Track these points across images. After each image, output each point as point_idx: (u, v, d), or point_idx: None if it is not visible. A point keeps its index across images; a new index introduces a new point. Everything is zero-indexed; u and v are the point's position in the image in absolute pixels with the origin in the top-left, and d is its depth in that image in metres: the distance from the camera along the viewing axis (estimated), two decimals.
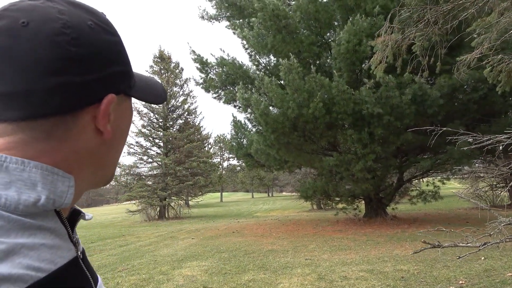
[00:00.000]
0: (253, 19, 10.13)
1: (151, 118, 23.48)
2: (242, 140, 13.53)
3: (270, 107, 10.49)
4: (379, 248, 7.52)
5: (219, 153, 52.10)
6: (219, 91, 13.49)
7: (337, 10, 10.49)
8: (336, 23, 11.10)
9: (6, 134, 0.43)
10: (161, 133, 22.98)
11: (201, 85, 13.57)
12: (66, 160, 0.46)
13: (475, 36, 4.10)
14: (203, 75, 13.41)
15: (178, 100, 24.43)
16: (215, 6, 13.55)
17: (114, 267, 7.05)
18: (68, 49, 0.42)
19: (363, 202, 13.18)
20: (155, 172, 23.17)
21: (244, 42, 11.69)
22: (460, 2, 2.95)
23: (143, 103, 22.16)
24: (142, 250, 9.17)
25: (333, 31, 11.34)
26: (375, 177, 10.56)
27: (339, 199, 12.83)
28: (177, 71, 24.33)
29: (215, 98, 13.82)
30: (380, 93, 8.48)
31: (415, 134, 9.52)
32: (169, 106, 23.90)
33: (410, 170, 13.08)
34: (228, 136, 15.16)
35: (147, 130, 23.09)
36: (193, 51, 13.22)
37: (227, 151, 45.80)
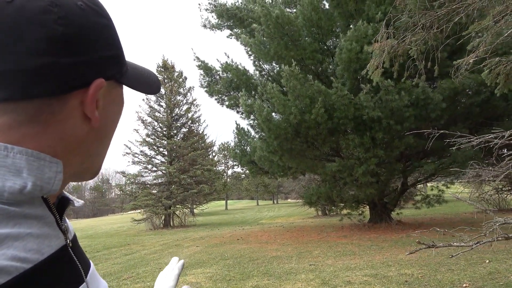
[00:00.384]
0: (255, 25, 10.23)
1: (155, 127, 23.63)
2: (245, 147, 13.59)
3: (273, 114, 10.56)
4: (383, 253, 7.50)
5: (223, 161, 52.13)
6: (223, 96, 13.61)
7: (338, 17, 10.59)
8: (337, 30, 11.19)
9: None
10: (165, 142, 23.08)
11: (205, 89, 13.69)
12: (52, 146, 0.44)
13: (475, 39, 4.14)
14: (207, 80, 13.54)
15: (181, 109, 24.57)
16: (216, 18, 13.76)
17: (119, 275, 7.08)
18: (55, 28, 0.40)
19: (367, 207, 13.14)
20: (159, 181, 23.23)
21: (248, 48, 11.80)
22: (454, 6, 3.00)
23: (147, 112, 22.12)
24: (147, 258, 9.19)
25: (335, 38, 11.44)
26: (379, 181, 10.54)
27: (343, 204, 12.80)
28: (181, 80, 24.53)
29: (218, 102, 13.94)
30: (379, 97, 8.52)
31: (417, 139, 9.53)
32: (173, 115, 24.04)
33: (414, 175, 13.03)
34: (232, 144, 15.22)
35: (151, 139, 23.22)
36: (197, 57, 13.36)
37: (231, 159, 45.87)
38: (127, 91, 0.56)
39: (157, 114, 23.65)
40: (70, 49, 0.41)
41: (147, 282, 6.30)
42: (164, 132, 23.77)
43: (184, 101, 24.76)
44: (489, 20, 3.55)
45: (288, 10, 12.20)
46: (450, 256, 2.35)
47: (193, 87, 27.87)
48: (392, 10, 3.78)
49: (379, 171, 10.00)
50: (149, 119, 23.37)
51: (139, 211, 22.12)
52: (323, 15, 10.38)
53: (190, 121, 25.17)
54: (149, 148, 23.22)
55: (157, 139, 23.44)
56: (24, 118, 0.41)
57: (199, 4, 13.62)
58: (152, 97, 23.04)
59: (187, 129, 25.20)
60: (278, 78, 11.67)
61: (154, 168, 23.33)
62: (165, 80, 24.03)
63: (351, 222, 13.35)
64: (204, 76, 13.42)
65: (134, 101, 28.87)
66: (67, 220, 0.54)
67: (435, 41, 3.45)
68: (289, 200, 55.37)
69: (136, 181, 22.96)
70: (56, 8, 0.41)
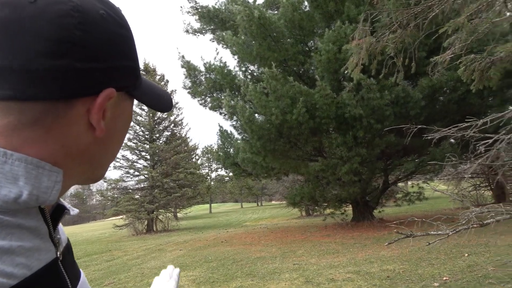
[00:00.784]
0: (238, 21, 10.22)
1: (137, 131, 23.30)
2: (229, 149, 13.55)
3: (256, 114, 10.56)
4: (366, 250, 7.58)
5: (206, 164, 51.82)
6: (206, 98, 13.53)
7: (318, 18, 10.68)
8: (319, 31, 11.30)
9: None
10: (148, 146, 22.79)
11: (188, 90, 13.58)
12: (52, 152, 0.42)
13: (451, 37, 4.24)
14: (190, 81, 13.43)
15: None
16: (199, 20, 13.70)
17: (100, 282, 6.93)
18: (73, 32, 0.40)
19: (350, 206, 13.27)
20: (142, 185, 22.89)
21: (232, 47, 11.77)
22: (429, 4, 3.07)
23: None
24: (129, 264, 9.03)
25: (317, 38, 11.55)
26: (361, 180, 10.67)
27: (326, 204, 12.89)
28: (163, 83, 24.30)
29: (201, 104, 13.87)
30: (360, 95, 8.64)
31: (398, 137, 9.70)
32: (155, 118, 23.77)
33: (395, 173, 13.25)
34: (215, 146, 15.16)
35: (133, 143, 22.87)
36: (182, 56, 13.25)
37: (215, 162, 45.67)
38: None
39: (138, 118, 23.31)
40: (86, 55, 0.41)
41: (128, 287, 6.19)
42: (146, 136, 23.47)
43: None
44: (464, 19, 3.64)
45: (270, 12, 12.24)
46: (427, 243, 2.39)
47: (175, 90, 27.65)
48: (370, 8, 3.84)
49: (361, 170, 10.12)
50: (131, 123, 23.01)
51: (121, 216, 21.72)
52: (304, 16, 10.47)
53: (172, 124, 24.92)
54: (131, 153, 22.86)
55: (139, 143, 23.10)
56: (29, 120, 0.40)
57: (181, 7, 13.59)
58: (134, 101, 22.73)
59: (169, 133, 24.95)
60: (261, 79, 11.71)
61: (136, 173, 22.97)
62: None
63: (334, 222, 13.46)
64: (187, 76, 13.31)
65: None
66: (61, 228, 0.53)
67: (412, 39, 3.52)
68: (273, 202, 55.46)
69: (118, 186, 22.57)
70: (78, 14, 0.40)
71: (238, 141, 12.68)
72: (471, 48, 4.30)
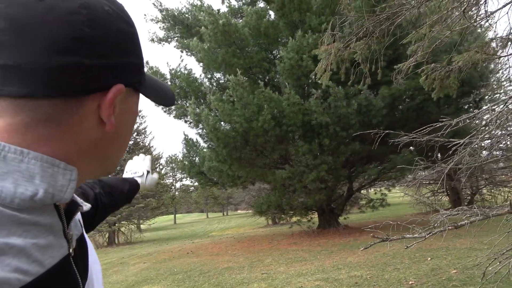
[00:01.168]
0: (203, 29, 10.12)
1: None
2: (194, 158, 13.30)
3: (222, 122, 10.46)
4: (333, 257, 7.61)
5: (171, 173, 50.80)
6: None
7: (283, 27, 10.80)
8: (283, 40, 11.43)
9: (7, 113, 0.40)
10: None
11: None
12: (65, 149, 0.43)
13: (411, 46, 4.36)
14: None
15: None
16: (163, 28, 13.49)
17: None
18: (82, 29, 0.40)
19: (316, 214, 13.39)
20: None
21: (198, 54, 11.63)
22: (395, 11, 3.14)
23: None
24: None
25: (281, 46, 11.67)
26: (326, 187, 10.79)
27: (293, 212, 12.93)
28: None
29: (165, 112, 13.58)
30: (328, 103, 8.77)
31: (361, 144, 9.93)
32: None
33: (359, 180, 13.55)
34: (180, 156, 14.86)
35: None
36: (147, 63, 12.92)
37: (180, 171, 44.84)
38: None
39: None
40: (95, 51, 0.41)
41: None
42: None
43: None
44: (426, 29, 3.75)
45: (234, 20, 12.26)
46: (405, 247, 2.39)
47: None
48: (333, 16, 3.88)
49: (327, 178, 10.24)
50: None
51: None
52: (269, 24, 10.55)
53: (135, 133, 24.30)
54: None
55: None
56: (41, 117, 0.41)
57: (145, 15, 13.31)
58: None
59: (132, 142, 24.29)
60: (227, 86, 11.64)
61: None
62: None
63: (301, 229, 13.51)
64: None
65: None
66: (76, 221, 0.54)
67: (377, 46, 3.58)
68: (239, 211, 55.12)
69: None
70: (85, 11, 0.41)
71: (204, 150, 12.49)
72: (432, 57, 4.45)
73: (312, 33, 9.23)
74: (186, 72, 12.33)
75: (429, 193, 16.53)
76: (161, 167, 35.59)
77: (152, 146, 27.23)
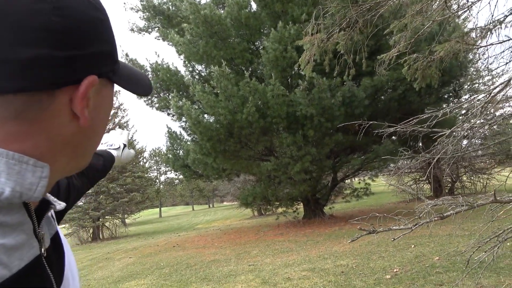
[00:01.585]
0: (185, 24, 9.96)
1: None
2: (178, 151, 13.19)
3: (205, 115, 10.35)
4: (319, 247, 7.70)
5: (155, 167, 50.35)
6: (152, 98, 13.05)
7: (265, 18, 10.71)
8: (265, 31, 11.34)
9: None
10: None
11: None
12: (37, 146, 0.40)
13: (394, 36, 4.37)
14: None
15: None
16: (143, 17, 13.19)
17: None
18: (51, 18, 0.37)
19: (301, 204, 13.50)
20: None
21: (177, 48, 11.43)
22: (378, 1, 3.13)
23: None
24: None
25: (264, 37, 11.58)
26: (311, 178, 10.86)
27: (278, 203, 13.00)
28: None
29: (147, 104, 13.38)
30: (313, 94, 8.77)
31: (345, 135, 10.00)
32: None
33: (343, 170, 13.70)
34: (164, 149, 14.69)
35: None
36: (126, 54, 12.62)
37: (164, 164, 44.47)
38: None
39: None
40: (66, 42, 0.39)
41: None
42: None
43: None
44: (408, 19, 3.76)
45: (216, 10, 12.09)
46: (392, 239, 2.42)
47: (119, 90, 26.49)
48: (314, 7, 3.85)
49: (311, 168, 10.30)
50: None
51: (64, 225, 20.46)
52: (251, 15, 10.44)
53: (117, 127, 23.92)
54: None
55: None
56: (10, 113, 0.38)
57: (124, 3, 12.97)
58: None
59: None
60: (209, 78, 11.50)
61: None
62: None
63: (287, 220, 13.61)
64: None
65: None
66: (50, 221, 0.51)
67: (360, 36, 3.58)
68: (224, 203, 55.21)
69: None
70: None
71: (188, 143, 12.38)
72: (414, 47, 4.48)
73: (293, 24, 9.18)
74: (165, 64, 12.13)
75: (411, 181, 16.87)
76: (144, 160, 35.20)
77: (135, 140, 26.88)
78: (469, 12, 3.55)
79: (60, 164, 0.45)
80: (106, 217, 20.52)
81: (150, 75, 12.56)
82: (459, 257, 4.71)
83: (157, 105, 13.14)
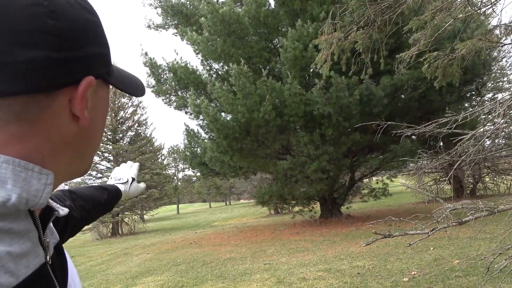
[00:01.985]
0: (202, 19, 9.98)
1: None
2: (195, 149, 13.29)
3: (223, 113, 10.39)
4: (335, 247, 7.63)
5: (173, 164, 50.98)
6: (170, 96, 13.16)
7: (284, 16, 10.65)
8: (283, 29, 11.28)
9: None
10: (110, 147, 22.04)
11: (152, 89, 13.15)
12: (39, 149, 0.41)
13: (413, 34, 4.28)
14: (154, 79, 12.99)
15: (127, 112, 23.67)
16: (161, 15, 13.28)
17: None
18: (46, 21, 0.38)
19: (318, 203, 13.41)
20: None
21: (195, 46, 11.49)
22: None
23: None
24: (93, 270, 8.61)
25: (281, 36, 11.52)
26: (328, 177, 10.77)
27: (295, 202, 12.95)
28: None
29: (165, 103, 13.48)
30: (330, 93, 8.68)
31: (363, 134, 9.87)
32: (118, 118, 23.03)
33: (361, 170, 13.53)
34: (182, 146, 14.84)
35: None
36: (145, 54, 12.75)
37: (182, 162, 44.94)
38: None
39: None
40: (62, 44, 0.40)
41: None
42: (109, 136, 22.70)
43: (130, 104, 23.84)
44: (428, 16, 3.67)
45: (234, 6, 12.08)
46: (408, 244, 2.37)
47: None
48: (334, 5, 3.80)
49: (328, 168, 10.21)
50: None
51: None
52: (269, 13, 10.40)
53: (136, 124, 24.30)
54: None
55: (102, 144, 22.29)
56: (10, 116, 0.39)
57: (143, 0, 13.10)
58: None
59: (133, 133, 24.31)
60: (226, 77, 11.52)
61: (99, 175, 22.21)
62: None
63: (303, 219, 13.54)
64: (151, 75, 12.87)
65: None
66: (52, 229, 0.52)
67: (379, 35, 3.51)
68: (241, 200, 55.42)
69: None
70: (47, 2, 0.39)
71: (205, 141, 12.46)
72: (435, 45, 4.37)
73: (311, 22, 9.09)
74: (182, 63, 12.20)
75: (431, 181, 16.51)
76: (163, 157, 35.68)
77: (153, 137, 27.24)
78: (493, 9, 3.44)
79: (62, 166, 0.45)
80: (125, 213, 20.91)
81: (167, 73, 12.67)
82: (480, 261, 4.58)
83: (174, 104, 13.25)
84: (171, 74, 12.39)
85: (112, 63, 0.51)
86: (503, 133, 3.25)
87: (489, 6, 3.31)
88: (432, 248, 6.10)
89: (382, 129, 3.24)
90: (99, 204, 0.92)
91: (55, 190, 0.52)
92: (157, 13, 13.23)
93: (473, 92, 11.99)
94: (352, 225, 10.62)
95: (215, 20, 9.63)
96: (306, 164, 9.90)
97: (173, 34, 13.74)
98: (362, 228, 9.82)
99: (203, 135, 13.37)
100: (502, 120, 3.62)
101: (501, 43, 4.46)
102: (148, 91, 13.58)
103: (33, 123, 0.40)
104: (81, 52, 0.42)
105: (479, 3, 3.42)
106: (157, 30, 13.88)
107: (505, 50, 10.47)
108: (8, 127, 0.39)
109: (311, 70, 9.61)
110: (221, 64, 12.55)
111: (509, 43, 4.29)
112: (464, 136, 2.63)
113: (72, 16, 0.41)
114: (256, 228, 13.87)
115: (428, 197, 14.71)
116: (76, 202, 0.81)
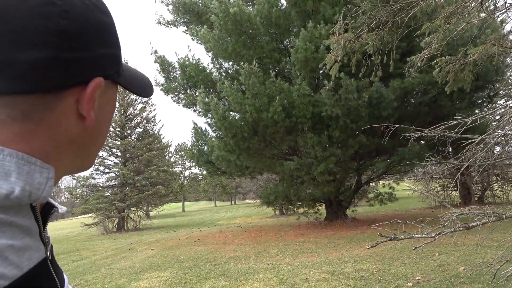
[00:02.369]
0: (213, 16, 10.00)
1: None
2: (203, 147, 13.33)
3: (231, 112, 10.41)
4: (339, 249, 7.60)
5: (180, 162, 51.14)
6: (179, 94, 13.22)
7: (295, 16, 10.64)
8: (295, 30, 11.26)
9: None
10: (118, 142, 22.19)
11: (161, 87, 13.22)
12: (43, 147, 0.41)
13: (426, 38, 4.25)
14: (163, 77, 13.06)
15: (136, 108, 23.82)
16: (172, 12, 13.33)
17: None
18: (58, 21, 0.38)
19: (323, 205, 13.36)
20: (112, 183, 22.30)
21: (206, 44, 11.52)
22: (409, 1, 3.04)
23: None
24: (97, 264, 8.69)
25: (293, 37, 11.50)
26: (335, 180, 10.73)
27: (300, 203, 12.92)
28: None
29: (174, 101, 13.54)
30: (339, 95, 8.65)
31: (370, 137, 9.81)
32: (127, 114, 23.20)
33: (367, 173, 13.46)
34: (189, 144, 14.90)
35: None
36: (155, 51, 12.83)
37: (188, 160, 45.07)
38: None
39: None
40: (72, 44, 0.40)
41: None
42: (117, 132, 22.84)
43: (138, 100, 23.98)
44: (441, 20, 3.64)
45: (246, 8, 12.10)
46: (414, 248, 2.35)
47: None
48: (346, 6, 3.78)
49: (335, 170, 10.18)
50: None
51: (90, 215, 21.15)
52: (281, 13, 10.39)
53: (145, 121, 24.44)
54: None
55: (110, 139, 22.45)
56: (17, 114, 0.39)
57: None
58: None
59: (142, 129, 24.45)
60: (236, 76, 11.54)
61: (107, 170, 22.38)
62: None
63: (308, 221, 13.51)
64: (160, 72, 12.94)
65: None
66: (47, 230, 0.52)
67: (390, 37, 3.49)
68: (247, 200, 55.41)
69: (87, 183, 21.93)
70: (60, 1, 0.39)
71: (213, 139, 12.49)
72: (447, 50, 4.33)
73: (324, 23, 9.06)
74: (193, 61, 12.24)
75: (439, 187, 16.35)
76: (170, 155, 35.85)
77: (161, 134, 27.38)
78: (507, 14, 3.40)
79: (64, 163, 0.46)
80: (131, 208, 21.03)
81: (177, 71, 12.74)
82: (486, 268, 4.52)
83: (183, 101, 13.31)
84: (181, 72, 12.45)
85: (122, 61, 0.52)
86: None
87: (503, 11, 3.28)
88: (437, 254, 6.04)
89: (390, 132, 3.22)
90: None
91: (58, 183, 0.50)
92: (168, 10, 13.28)
93: (485, 99, 11.86)
94: (357, 228, 10.57)
95: (226, 19, 9.65)
96: (313, 165, 9.87)
97: (183, 31, 13.81)
98: (367, 231, 9.76)
99: (211, 133, 13.42)
100: None
101: None
102: (157, 89, 13.67)
103: (39, 122, 0.41)
104: (91, 53, 0.42)
105: (493, 7, 3.38)
106: (167, 26, 13.94)
107: None
108: (13, 125, 0.39)
109: (321, 71, 9.58)
110: (231, 63, 12.57)
111: None
112: (473, 140, 2.60)
113: (84, 17, 0.41)
114: (260, 228, 13.87)
115: (435, 203, 14.57)
116: None
